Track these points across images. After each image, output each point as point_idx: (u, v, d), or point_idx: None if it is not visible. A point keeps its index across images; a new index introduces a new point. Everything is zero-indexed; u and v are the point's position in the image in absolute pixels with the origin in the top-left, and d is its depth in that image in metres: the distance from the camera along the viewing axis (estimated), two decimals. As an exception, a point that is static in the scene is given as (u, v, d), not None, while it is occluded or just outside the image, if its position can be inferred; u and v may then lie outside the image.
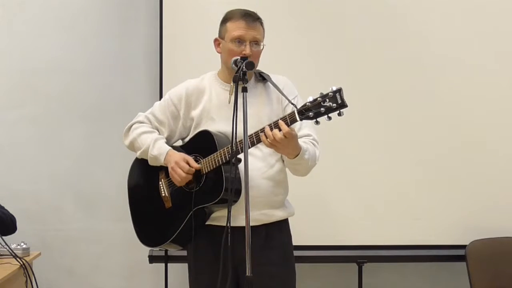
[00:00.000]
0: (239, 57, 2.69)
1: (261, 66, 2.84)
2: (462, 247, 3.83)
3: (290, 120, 2.55)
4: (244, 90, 2.53)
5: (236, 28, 2.77)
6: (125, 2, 4.19)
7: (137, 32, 4.19)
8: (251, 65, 2.63)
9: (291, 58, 3.85)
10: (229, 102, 2.72)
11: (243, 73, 2.57)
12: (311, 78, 3.69)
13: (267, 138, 2.56)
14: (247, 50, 2.74)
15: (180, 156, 2.78)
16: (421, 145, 3.92)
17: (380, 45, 3.92)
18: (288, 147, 2.61)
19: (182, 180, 2.76)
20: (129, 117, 3.02)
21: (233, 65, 2.69)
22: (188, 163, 2.75)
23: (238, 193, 2.65)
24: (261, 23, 2.83)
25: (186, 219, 2.77)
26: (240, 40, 2.76)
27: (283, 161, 2.84)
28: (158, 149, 2.83)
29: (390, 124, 3.93)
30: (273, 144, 2.56)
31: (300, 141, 2.70)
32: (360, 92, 3.82)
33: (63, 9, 4.18)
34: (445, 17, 3.93)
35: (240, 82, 2.56)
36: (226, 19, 2.83)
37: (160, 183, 2.89)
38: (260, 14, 2.84)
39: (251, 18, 2.78)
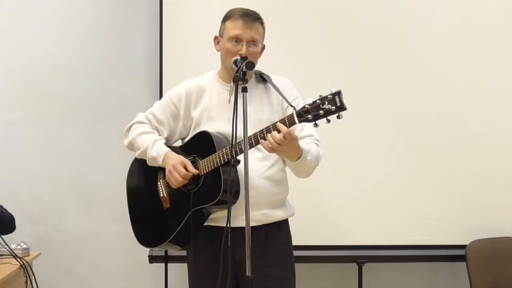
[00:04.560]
0: (239, 57, 2.67)
1: (262, 66, 2.82)
2: (462, 247, 3.83)
3: (288, 122, 2.53)
4: (244, 90, 2.51)
5: (234, 27, 2.75)
6: (125, 2, 4.18)
7: (137, 32, 4.19)
8: (251, 65, 2.60)
9: (291, 59, 3.85)
10: (229, 102, 2.69)
11: (243, 73, 2.54)
12: (311, 79, 3.68)
13: (267, 142, 2.54)
14: (243, 50, 2.71)
15: (178, 159, 2.76)
16: (421, 146, 3.92)
17: (382, 47, 3.91)
18: (288, 150, 2.59)
19: (178, 184, 2.75)
20: (129, 117, 3.01)
21: (233, 65, 2.66)
22: (185, 168, 2.73)
23: (236, 194, 2.63)
24: (261, 23, 2.80)
25: (184, 220, 2.76)
26: (237, 40, 2.74)
27: (283, 160, 2.82)
28: (157, 150, 2.82)
29: (390, 125, 3.93)
30: (273, 148, 2.54)
31: (303, 142, 2.69)
32: (361, 94, 3.82)
33: (63, 9, 4.17)
34: (447, 21, 3.93)
35: (240, 82, 2.53)
36: (226, 18, 2.81)
37: (159, 183, 2.87)
38: (262, 15, 2.82)
39: (250, 18, 2.75)
